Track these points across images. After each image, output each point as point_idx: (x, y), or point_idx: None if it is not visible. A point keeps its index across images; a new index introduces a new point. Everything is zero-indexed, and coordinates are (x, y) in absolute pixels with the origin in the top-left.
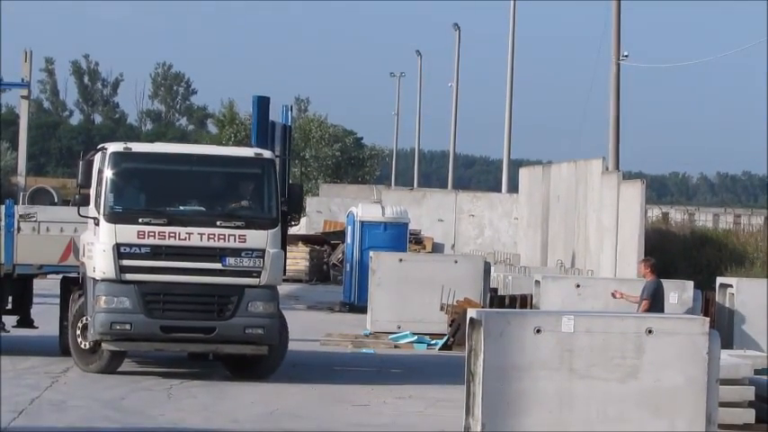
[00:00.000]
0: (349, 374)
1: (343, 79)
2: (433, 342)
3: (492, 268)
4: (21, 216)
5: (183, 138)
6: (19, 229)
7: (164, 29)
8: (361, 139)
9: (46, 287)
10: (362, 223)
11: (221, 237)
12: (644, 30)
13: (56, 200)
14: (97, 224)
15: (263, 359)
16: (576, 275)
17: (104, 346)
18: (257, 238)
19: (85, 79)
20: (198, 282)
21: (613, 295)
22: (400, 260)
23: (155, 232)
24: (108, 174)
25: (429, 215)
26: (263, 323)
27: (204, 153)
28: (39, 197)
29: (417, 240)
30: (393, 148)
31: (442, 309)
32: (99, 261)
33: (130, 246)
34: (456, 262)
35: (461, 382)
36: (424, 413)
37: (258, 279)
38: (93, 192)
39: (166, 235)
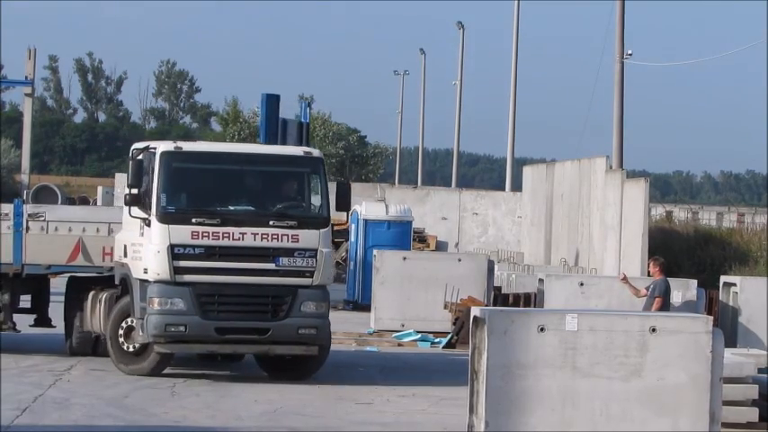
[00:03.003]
0: (352, 373)
1: (347, 77)
2: (437, 340)
3: (495, 267)
4: (29, 215)
5: (186, 136)
6: (27, 228)
7: (167, 27)
8: (365, 137)
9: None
10: (366, 221)
11: (274, 236)
12: (648, 29)
13: (60, 198)
14: (148, 225)
15: (310, 360)
16: (580, 274)
17: (157, 348)
18: (310, 237)
19: (89, 77)
20: (252, 282)
21: (623, 278)
22: (404, 258)
23: (208, 232)
24: (159, 173)
25: (433, 213)
26: (316, 323)
27: (254, 152)
28: (42, 195)
29: (421, 239)
30: (397, 146)
31: (445, 307)
32: (152, 262)
33: (184, 246)
34: (459, 260)
35: (465, 380)
36: (427, 411)
37: (311, 279)
38: (137, 191)
39: (220, 235)
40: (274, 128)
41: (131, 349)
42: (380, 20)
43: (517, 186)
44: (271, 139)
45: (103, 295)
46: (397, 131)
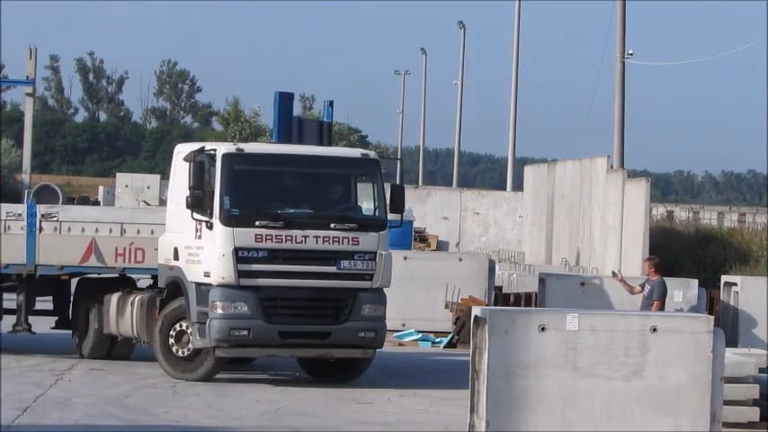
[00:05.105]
0: None
1: (348, 77)
2: (438, 340)
3: (496, 266)
4: (42, 215)
5: (188, 135)
6: (41, 228)
7: (168, 26)
8: (366, 137)
9: None
10: None
11: (336, 239)
12: (649, 29)
13: (61, 197)
14: (210, 227)
15: (361, 362)
16: (581, 273)
17: (219, 352)
18: (369, 240)
19: (90, 77)
20: (314, 286)
21: (613, 273)
22: (405, 258)
23: (272, 235)
24: (221, 176)
25: (434, 213)
26: (376, 327)
27: (313, 154)
28: (43, 195)
29: (422, 238)
30: (398, 145)
31: (446, 307)
32: (216, 266)
33: (248, 250)
34: (461, 260)
35: (466, 380)
36: (428, 411)
37: (371, 282)
38: (199, 194)
39: (283, 238)
40: (288, 127)
41: (182, 354)
42: (381, 20)
43: (518, 186)
44: (285, 139)
45: (136, 298)
46: (397, 131)
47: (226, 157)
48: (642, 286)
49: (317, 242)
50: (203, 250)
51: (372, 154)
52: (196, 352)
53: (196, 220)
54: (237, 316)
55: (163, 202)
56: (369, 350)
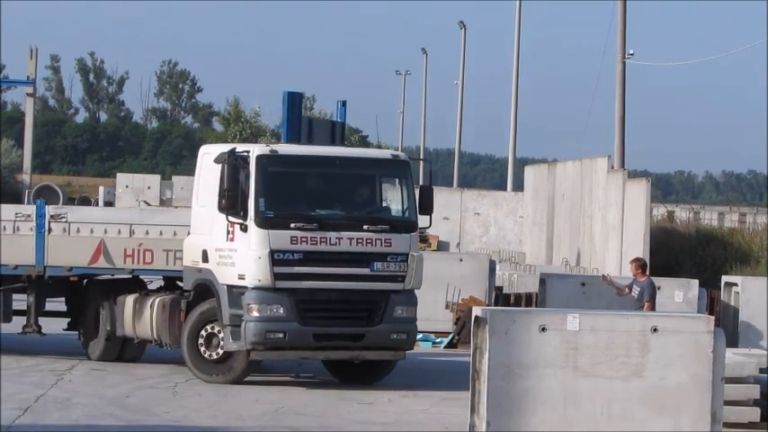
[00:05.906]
0: None
1: (349, 77)
2: (439, 340)
3: (497, 266)
4: (51, 216)
5: (188, 136)
6: (50, 229)
7: (169, 27)
8: (367, 137)
9: None
10: None
11: (369, 241)
12: (649, 29)
13: (61, 198)
14: (244, 230)
15: (388, 364)
16: (582, 274)
17: (254, 355)
18: (401, 241)
19: (91, 77)
20: (347, 288)
21: (603, 277)
22: None
23: (307, 238)
24: (255, 177)
25: (434, 213)
26: (407, 328)
27: (346, 155)
28: (44, 195)
29: (422, 238)
30: (398, 146)
31: (447, 307)
32: (251, 268)
33: (284, 252)
34: (461, 260)
35: (467, 380)
36: (429, 411)
37: (403, 284)
38: (233, 195)
39: (318, 240)
40: (297, 127)
41: (212, 357)
42: (382, 20)
43: (519, 186)
44: (294, 140)
45: (156, 300)
46: (398, 131)
47: (260, 158)
48: (630, 287)
49: (350, 244)
50: (237, 252)
51: (402, 155)
52: (226, 355)
53: (230, 222)
54: (273, 318)
55: (163, 203)
56: (400, 352)
